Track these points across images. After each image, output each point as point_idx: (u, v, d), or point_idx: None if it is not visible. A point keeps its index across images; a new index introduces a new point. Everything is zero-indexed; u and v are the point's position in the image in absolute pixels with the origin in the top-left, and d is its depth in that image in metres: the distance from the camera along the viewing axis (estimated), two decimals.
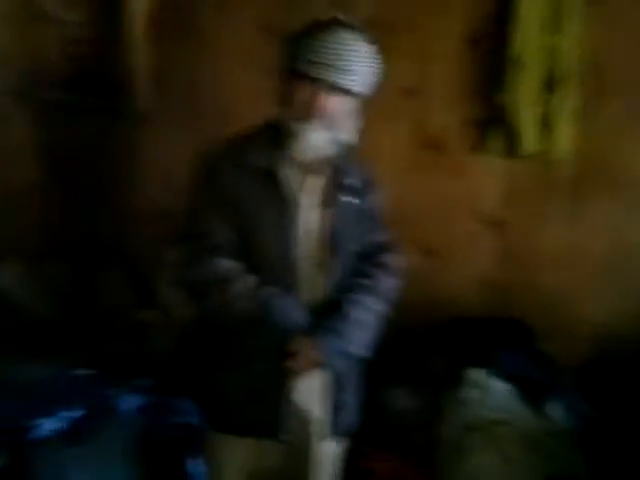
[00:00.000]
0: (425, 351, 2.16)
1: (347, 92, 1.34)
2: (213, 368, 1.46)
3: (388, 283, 1.50)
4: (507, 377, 1.97)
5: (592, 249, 2.13)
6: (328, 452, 1.50)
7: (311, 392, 1.43)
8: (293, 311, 1.36)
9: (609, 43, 2.03)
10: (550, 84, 2.01)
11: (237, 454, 1.45)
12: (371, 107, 2.38)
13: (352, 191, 1.45)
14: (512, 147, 2.11)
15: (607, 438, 1.94)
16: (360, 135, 1.42)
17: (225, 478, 1.48)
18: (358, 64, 1.31)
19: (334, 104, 1.34)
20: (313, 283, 1.40)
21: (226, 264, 1.37)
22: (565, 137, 2.04)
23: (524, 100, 2.03)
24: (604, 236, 2.11)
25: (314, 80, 1.31)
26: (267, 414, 1.39)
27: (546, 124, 2.04)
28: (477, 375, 1.98)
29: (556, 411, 1.94)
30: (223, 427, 1.45)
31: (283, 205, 1.37)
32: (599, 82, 2.02)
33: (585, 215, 2.12)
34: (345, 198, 1.43)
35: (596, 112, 2.02)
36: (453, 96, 2.25)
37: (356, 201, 1.46)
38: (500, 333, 2.11)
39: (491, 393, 1.94)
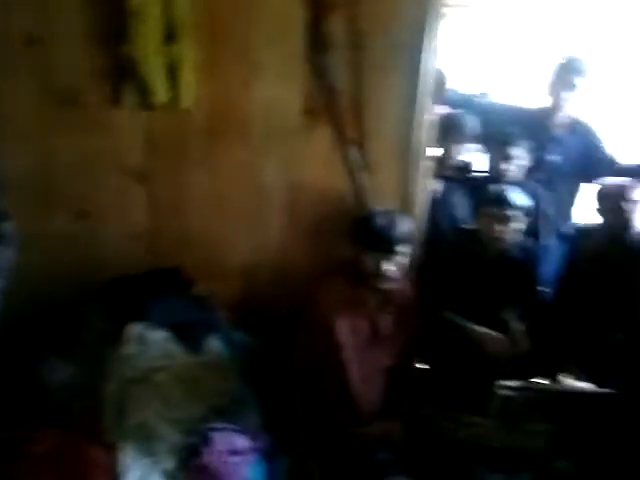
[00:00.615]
0: (82, 317, 2.08)
1: None
2: None
3: (5, 254, 1.37)
4: (165, 326, 2.03)
5: (230, 195, 2.27)
6: None
7: None
8: None
9: None
10: (170, 34, 2.03)
11: None
12: None
13: None
14: (145, 99, 2.10)
15: (267, 362, 2.18)
16: None
17: None
18: None
19: None
20: None
21: None
22: (188, 87, 2.09)
23: (147, 51, 2.02)
24: (239, 182, 2.26)
25: None
26: None
27: (172, 74, 2.07)
28: (136, 330, 1.99)
29: (215, 347, 2.09)
30: None
31: None
32: (214, 32, 2.11)
33: (220, 163, 2.24)
34: None
35: (215, 62, 2.12)
36: (84, 48, 2.12)
37: None
38: (156, 285, 2.14)
39: (150, 344, 1.97)
